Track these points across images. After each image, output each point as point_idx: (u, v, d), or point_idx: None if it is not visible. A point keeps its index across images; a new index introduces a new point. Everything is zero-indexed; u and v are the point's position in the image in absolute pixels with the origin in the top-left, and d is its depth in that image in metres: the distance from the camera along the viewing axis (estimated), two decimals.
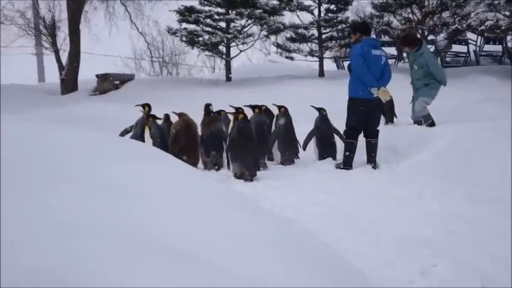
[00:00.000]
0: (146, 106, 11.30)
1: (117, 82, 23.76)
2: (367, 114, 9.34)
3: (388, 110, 12.16)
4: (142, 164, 3.90)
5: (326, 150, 10.13)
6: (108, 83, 23.47)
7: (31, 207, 2.58)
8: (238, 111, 9.30)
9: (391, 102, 11.84)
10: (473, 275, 4.44)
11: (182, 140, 9.50)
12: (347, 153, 9.32)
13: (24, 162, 3.22)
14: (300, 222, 5.17)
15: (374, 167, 9.15)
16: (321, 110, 10.46)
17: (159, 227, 2.69)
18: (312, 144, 10.21)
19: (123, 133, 11.17)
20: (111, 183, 3.17)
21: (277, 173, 9.04)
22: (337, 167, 9.27)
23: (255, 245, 2.83)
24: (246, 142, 8.77)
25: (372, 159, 9.31)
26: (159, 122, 10.46)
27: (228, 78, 23.81)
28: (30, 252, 2.14)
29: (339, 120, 9.71)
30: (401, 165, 8.78)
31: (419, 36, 22.01)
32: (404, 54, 25.58)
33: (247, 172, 8.59)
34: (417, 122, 11.31)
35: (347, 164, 9.25)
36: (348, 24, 23.33)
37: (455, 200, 6.75)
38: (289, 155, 9.90)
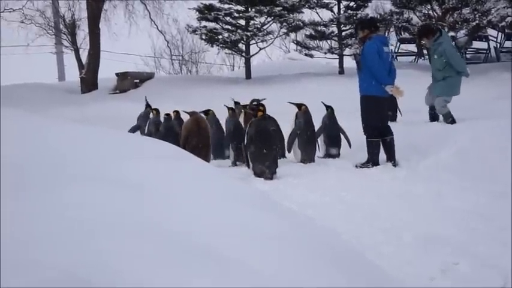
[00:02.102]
0: (154, 110, 11.71)
1: (137, 80, 23.90)
2: (381, 113, 9.33)
3: (392, 108, 12.30)
4: (162, 162, 3.90)
5: (333, 148, 10.18)
6: (128, 82, 23.59)
7: (49, 206, 2.59)
8: (259, 108, 9.23)
9: (395, 101, 12.00)
10: (494, 273, 4.42)
11: (193, 141, 9.46)
12: (372, 152, 9.28)
13: (41, 161, 3.23)
14: (320, 220, 5.17)
15: (394, 165, 9.12)
16: (328, 108, 10.49)
17: (178, 225, 2.69)
18: (319, 141, 10.25)
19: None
20: (130, 181, 3.18)
21: (298, 171, 9.03)
22: (362, 166, 9.21)
23: (276, 243, 2.83)
24: (265, 140, 8.75)
25: (391, 157, 9.27)
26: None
27: (248, 76, 23.82)
28: (50, 251, 2.15)
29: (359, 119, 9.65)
30: (421, 163, 8.74)
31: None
32: (425, 51, 25.61)
33: (267, 170, 8.58)
34: (432, 107, 11.32)
35: (375, 162, 9.23)
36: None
37: (476, 198, 6.72)
38: (310, 153, 9.89)
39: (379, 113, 9.31)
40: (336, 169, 9.03)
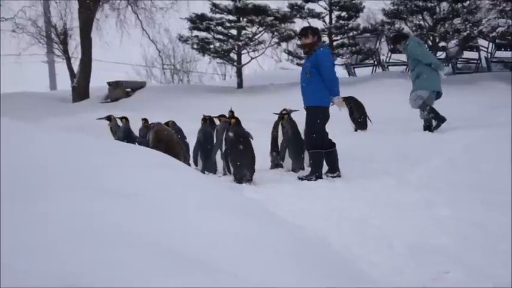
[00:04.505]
0: (123, 118, 11.91)
1: (129, 90, 23.95)
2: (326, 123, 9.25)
3: (361, 117, 12.51)
4: (155, 171, 3.91)
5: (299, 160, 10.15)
6: (119, 91, 23.62)
7: (48, 215, 2.60)
8: (233, 116, 9.65)
9: (363, 109, 12.27)
10: (486, 281, 4.42)
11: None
12: (318, 164, 9.09)
13: (32, 169, 3.24)
14: (311, 229, 5.18)
15: (339, 176, 9.13)
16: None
17: (171, 236, 2.70)
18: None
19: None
20: (123, 190, 3.18)
21: (288, 179, 9.04)
22: (305, 179, 8.99)
23: (267, 252, 2.83)
24: (244, 144, 8.97)
25: (335, 168, 9.25)
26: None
27: (239, 85, 23.85)
28: (47, 258, 2.16)
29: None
30: (412, 171, 8.74)
31: (430, 43, 22.07)
32: None
33: (248, 173, 8.80)
34: (419, 108, 11.42)
35: (319, 174, 9.04)
36: (359, 31, 23.45)
37: (468, 206, 6.72)
38: (300, 161, 9.88)
39: (325, 124, 9.19)
40: (326, 178, 9.02)
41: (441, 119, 11.06)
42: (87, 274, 2.09)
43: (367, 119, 12.92)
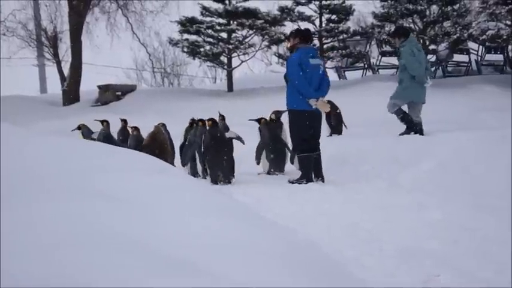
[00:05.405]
0: (104, 122, 11.86)
1: (119, 93, 23.93)
2: (311, 127, 9.16)
3: (336, 121, 12.37)
4: (148, 175, 3.91)
5: (278, 163, 10.19)
6: (110, 94, 23.61)
7: (41, 218, 2.59)
8: (209, 119, 9.66)
9: (339, 113, 12.12)
10: (476, 285, 4.41)
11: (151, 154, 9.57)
12: (305, 167, 9.09)
13: (23, 173, 3.23)
14: (302, 232, 5.17)
15: (323, 181, 9.08)
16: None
17: (163, 239, 2.69)
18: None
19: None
20: (114, 194, 3.18)
21: (279, 182, 9.03)
22: (295, 182, 8.99)
23: (257, 255, 2.82)
24: (221, 147, 9.13)
25: (319, 173, 9.19)
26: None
27: (230, 89, 23.86)
28: (41, 260, 2.15)
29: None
30: (403, 174, 8.74)
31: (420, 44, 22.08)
32: None
33: (222, 175, 8.99)
34: (395, 113, 11.29)
35: (309, 178, 8.99)
36: (349, 34, 23.46)
37: (458, 210, 6.73)
38: (277, 164, 9.90)
39: (307, 128, 9.10)
40: (317, 181, 9.01)
41: (410, 129, 10.97)
42: (82, 276, 2.08)
43: (343, 125, 12.82)
